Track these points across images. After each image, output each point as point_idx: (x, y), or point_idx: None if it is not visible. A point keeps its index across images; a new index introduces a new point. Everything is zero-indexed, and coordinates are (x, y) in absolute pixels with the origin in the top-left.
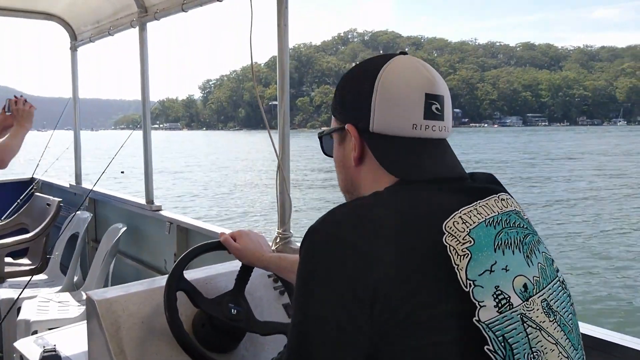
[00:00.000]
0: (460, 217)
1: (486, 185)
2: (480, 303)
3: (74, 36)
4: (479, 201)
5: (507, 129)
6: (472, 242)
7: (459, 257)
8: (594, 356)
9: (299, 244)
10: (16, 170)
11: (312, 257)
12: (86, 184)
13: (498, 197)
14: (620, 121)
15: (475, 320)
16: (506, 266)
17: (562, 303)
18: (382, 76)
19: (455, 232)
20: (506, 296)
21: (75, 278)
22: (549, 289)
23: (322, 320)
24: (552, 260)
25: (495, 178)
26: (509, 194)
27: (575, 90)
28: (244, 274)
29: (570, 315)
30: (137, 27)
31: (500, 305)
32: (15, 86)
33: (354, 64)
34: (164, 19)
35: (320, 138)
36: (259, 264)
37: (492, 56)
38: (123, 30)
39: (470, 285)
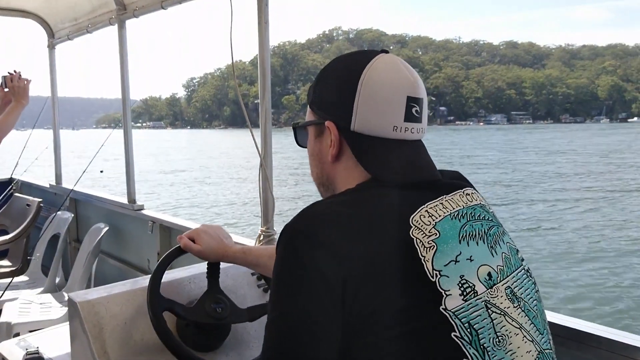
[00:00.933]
0: (426, 210)
1: (452, 181)
2: (446, 292)
3: (51, 34)
4: (444, 196)
5: (494, 127)
6: (438, 235)
7: (425, 249)
8: (569, 347)
9: None
10: None
11: (286, 254)
12: (66, 184)
13: (463, 192)
14: (602, 118)
15: (442, 308)
16: (470, 256)
17: (526, 290)
18: (366, 76)
19: (421, 225)
20: (471, 284)
21: (57, 279)
22: (513, 277)
23: (298, 315)
24: (517, 250)
25: (461, 174)
26: (474, 189)
27: (558, 89)
28: (213, 270)
29: (535, 301)
30: (116, 25)
31: (465, 293)
32: None
33: None
34: (143, 16)
35: (294, 129)
36: (223, 259)
37: (476, 54)
38: (102, 28)
39: (436, 276)
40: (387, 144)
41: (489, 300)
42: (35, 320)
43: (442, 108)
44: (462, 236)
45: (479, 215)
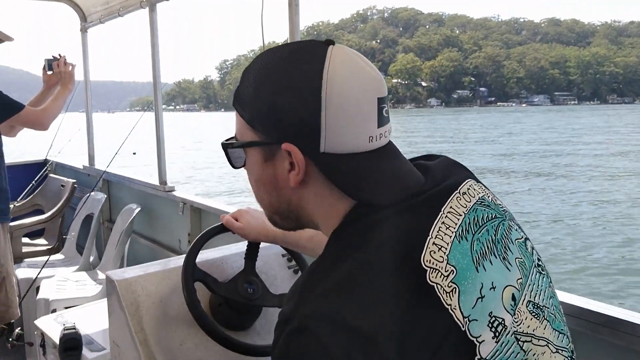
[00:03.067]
0: (434, 243)
1: (443, 183)
2: (478, 339)
3: (83, 17)
4: (442, 209)
5: (542, 108)
6: (455, 272)
7: (447, 294)
8: (602, 332)
9: None
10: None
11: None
12: (99, 166)
13: (460, 192)
14: None
15: (478, 359)
16: (492, 283)
17: (543, 292)
18: (328, 85)
19: (435, 265)
20: (500, 320)
21: (92, 258)
22: (530, 285)
23: None
24: (526, 240)
25: (449, 158)
26: (468, 176)
27: (605, 68)
28: (252, 251)
29: (552, 299)
30: (147, 8)
31: (497, 333)
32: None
33: (374, 42)
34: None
35: (225, 149)
36: (264, 239)
37: (516, 33)
38: (133, 11)
39: (466, 324)
40: (365, 158)
41: (517, 330)
42: (71, 297)
43: (483, 89)
44: (477, 261)
45: (482, 217)
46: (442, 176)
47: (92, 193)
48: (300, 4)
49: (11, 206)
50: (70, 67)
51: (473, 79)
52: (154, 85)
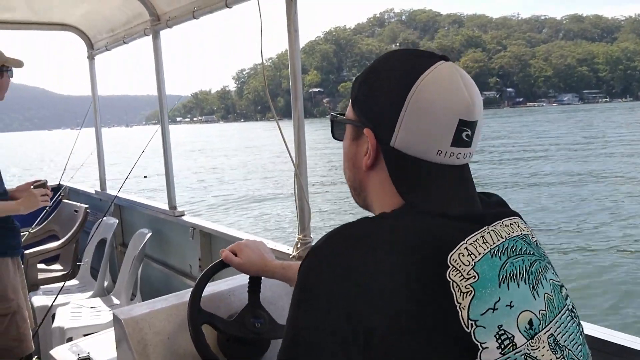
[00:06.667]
0: (466, 247)
1: (493, 210)
2: (482, 344)
3: (90, 45)
4: (485, 227)
5: (573, 107)
6: (477, 278)
7: (462, 294)
8: None
9: None
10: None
11: (307, 281)
12: (111, 191)
13: (502, 222)
14: None
15: None
16: (510, 302)
17: (570, 335)
18: (417, 90)
19: (459, 266)
20: (509, 336)
21: (106, 283)
22: (557, 321)
23: (313, 349)
24: (561, 287)
25: (502, 200)
26: (517, 216)
27: (636, 63)
28: (254, 285)
29: (580, 346)
30: (151, 35)
31: (503, 346)
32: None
33: (394, 45)
34: (176, 26)
35: (332, 121)
36: (263, 274)
37: (537, 31)
38: (138, 39)
39: (471, 326)
40: (427, 167)
41: (529, 354)
42: (86, 324)
43: (510, 89)
44: (502, 278)
45: (521, 249)
46: (491, 204)
47: (105, 218)
48: (299, 29)
49: (26, 233)
50: (43, 200)
51: (498, 79)
52: (160, 109)
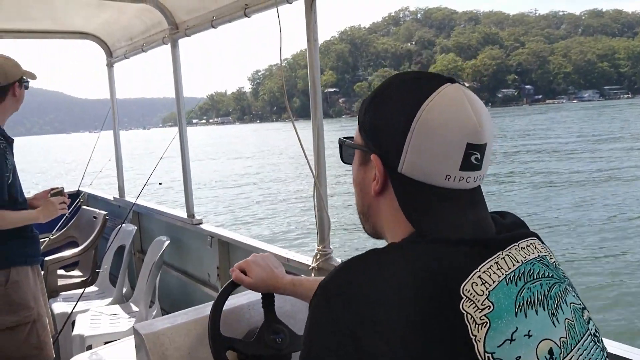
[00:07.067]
0: (479, 276)
1: (508, 233)
2: None
3: (109, 53)
4: (500, 252)
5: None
6: (492, 308)
7: (477, 326)
8: None
9: (339, 260)
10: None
11: (318, 316)
12: (129, 197)
13: (518, 245)
14: None
15: None
16: (529, 331)
17: None
18: (422, 115)
19: (473, 296)
20: None
21: (124, 289)
22: (579, 348)
23: None
24: (583, 310)
25: (519, 219)
26: (535, 236)
27: None
28: (268, 301)
29: None
30: (169, 44)
31: None
32: (63, 90)
33: (409, 44)
34: (194, 35)
35: (340, 145)
36: (274, 291)
37: (556, 27)
38: (156, 47)
39: (488, 359)
40: (437, 193)
41: None
42: (105, 332)
43: (528, 86)
44: (519, 306)
45: (538, 273)
46: (507, 225)
47: (124, 225)
48: (318, 39)
49: (46, 239)
50: (60, 208)
51: (517, 76)
52: (179, 118)
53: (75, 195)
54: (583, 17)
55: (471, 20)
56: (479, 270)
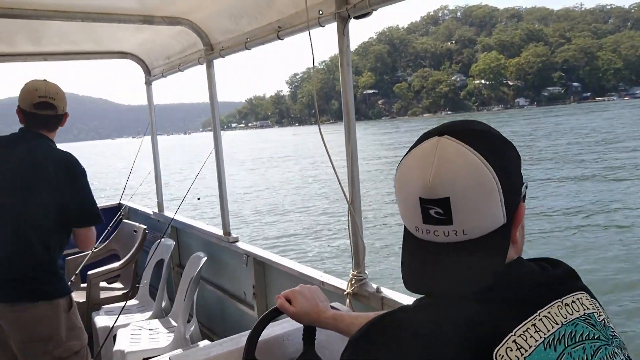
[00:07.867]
0: (514, 341)
1: (549, 288)
2: None
3: (148, 71)
4: (539, 311)
5: None
6: None
7: None
8: None
9: (374, 286)
10: None
11: None
12: (168, 212)
13: (562, 301)
14: None
15: None
16: None
17: None
18: (398, 168)
19: None
20: None
21: (164, 304)
22: None
23: None
24: None
25: (570, 270)
26: (583, 290)
27: None
28: (309, 334)
29: None
30: (204, 64)
31: None
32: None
33: (450, 43)
34: (228, 56)
35: None
36: (316, 324)
37: (603, 21)
38: (192, 67)
39: None
40: (416, 243)
41: None
42: (145, 348)
43: (576, 84)
44: None
45: (582, 335)
46: (549, 278)
47: (163, 239)
48: (350, 63)
49: (89, 252)
50: None
51: (563, 74)
52: (215, 135)
53: (116, 209)
54: (633, 10)
55: (513, 17)
56: (514, 334)
